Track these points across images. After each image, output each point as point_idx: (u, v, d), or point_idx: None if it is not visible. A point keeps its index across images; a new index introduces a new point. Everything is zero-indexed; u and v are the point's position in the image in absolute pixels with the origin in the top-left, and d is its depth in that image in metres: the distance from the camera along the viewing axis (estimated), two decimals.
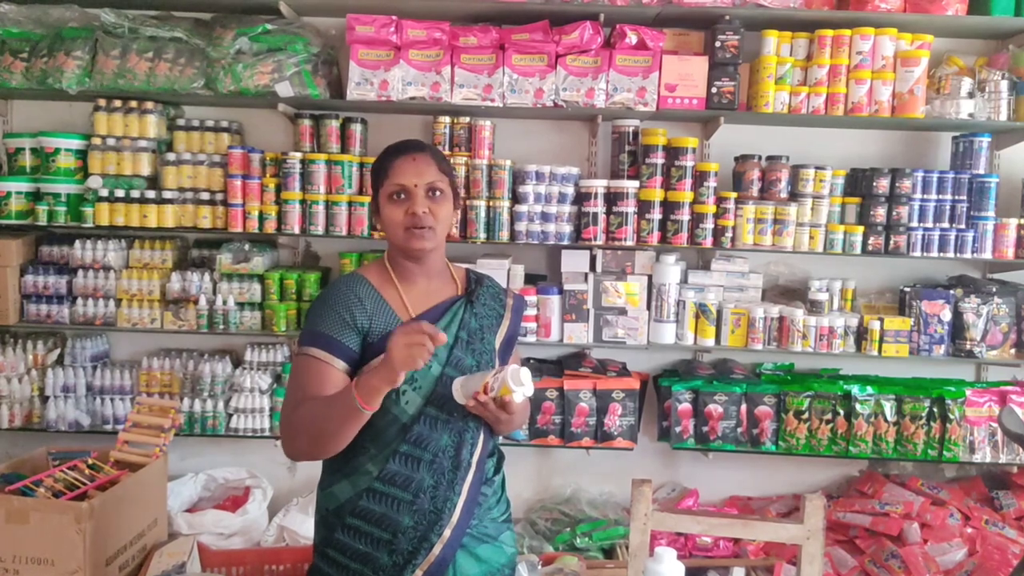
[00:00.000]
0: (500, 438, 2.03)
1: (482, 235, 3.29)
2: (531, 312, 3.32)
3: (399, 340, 1.58)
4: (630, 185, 3.27)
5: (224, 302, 3.30)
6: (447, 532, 1.77)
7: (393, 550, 1.75)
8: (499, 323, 1.93)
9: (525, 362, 3.23)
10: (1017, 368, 3.54)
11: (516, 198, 3.32)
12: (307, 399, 1.72)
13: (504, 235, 3.30)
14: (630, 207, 3.27)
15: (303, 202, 3.29)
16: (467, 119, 3.33)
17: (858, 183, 3.36)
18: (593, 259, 3.36)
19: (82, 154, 3.32)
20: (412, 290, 1.86)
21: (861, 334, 3.35)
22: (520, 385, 1.66)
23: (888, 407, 3.33)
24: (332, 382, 1.74)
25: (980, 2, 3.24)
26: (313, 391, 1.72)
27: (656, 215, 3.28)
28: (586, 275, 3.36)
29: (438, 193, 1.82)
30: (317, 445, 1.70)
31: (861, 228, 3.30)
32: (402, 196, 1.80)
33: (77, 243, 3.35)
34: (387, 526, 1.76)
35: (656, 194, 3.27)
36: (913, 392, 3.36)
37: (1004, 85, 3.27)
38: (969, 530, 3.22)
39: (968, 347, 3.32)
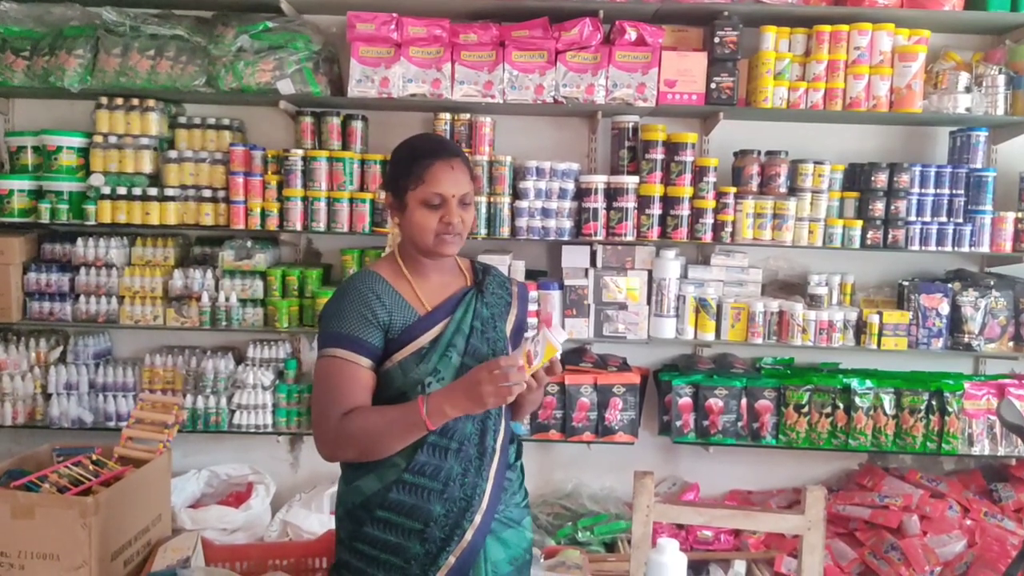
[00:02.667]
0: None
1: (483, 231, 3.31)
2: (532, 307, 3.33)
3: (489, 379, 1.61)
4: (630, 181, 3.29)
5: (226, 299, 3.32)
6: (478, 518, 1.80)
7: (425, 539, 1.77)
8: (507, 311, 1.96)
9: None
10: (1015, 361, 3.55)
11: (517, 194, 3.33)
12: (345, 404, 1.73)
13: (505, 231, 3.31)
14: (630, 202, 3.29)
15: (305, 199, 3.30)
16: (467, 116, 3.34)
17: (856, 178, 3.38)
18: (593, 254, 3.38)
19: (84, 152, 3.34)
20: (425, 284, 1.87)
21: (860, 328, 3.36)
22: (562, 337, 1.66)
23: (887, 400, 3.35)
24: (361, 382, 1.76)
25: None
26: (344, 392, 1.74)
27: (656, 210, 3.30)
28: (586, 270, 3.38)
29: (468, 202, 1.85)
30: (367, 454, 1.75)
31: (860, 222, 3.32)
32: (438, 204, 1.80)
33: (79, 241, 3.36)
34: (418, 516, 1.78)
35: (656, 189, 3.29)
36: (912, 385, 3.38)
37: (1001, 80, 3.29)
38: (968, 522, 3.24)
39: (966, 340, 3.34)
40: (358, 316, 1.77)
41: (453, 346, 1.81)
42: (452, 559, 1.77)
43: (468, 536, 1.78)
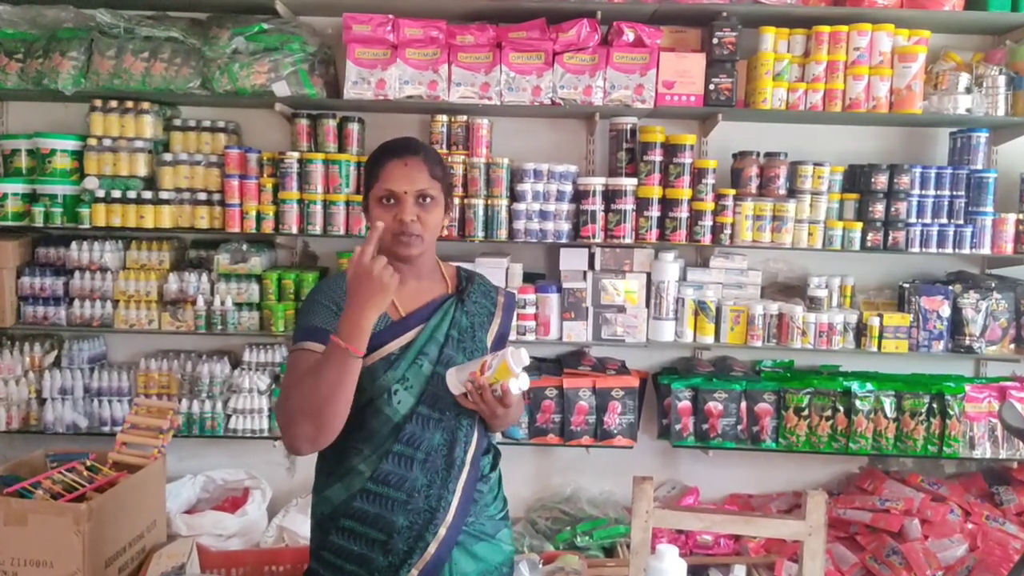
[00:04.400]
0: (496, 436, 2.01)
1: (480, 234, 3.28)
2: (530, 310, 3.31)
3: (359, 270, 1.56)
4: (628, 183, 3.27)
5: (222, 303, 3.29)
6: (442, 531, 1.76)
7: (388, 550, 1.74)
8: (490, 321, 1.92)
9: None
10: (1016, 363, 3.53)
11: (514, 196, 3.31)
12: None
13: (502, 233, 3.29)
14: (628, 205, 3.27)
15: (301, 202, 3.28)
16: (464, 118, 3.32)
17: (856, 179, 3.36)
18: (592, 257, 3.35)
19: (78, 155, 3.31)
20: (402, 290, 1.82)
21: (860, 330, 3.34)
22: (521, 363, 1.64)
23: (888, 403, 3.33)
24: None
25: None
26: None
27: (654, 212, 3.28)
28: (585, 273, 3.36)
29: (428, 200, 1.79)
30: (318, 420, 1.61)
31: (860, 224, 3.30)
32: (391, 201, 1.78)
33: (74, 244, 3.33)
34: (382, 527, 1.75)
35: (654, 191, 3.27)
36: (913, 388, 3.36)
37: (1001, 80, 3.27)
38: (970, 526, 3.21)
39: (967, 343, 3.32)
40: (327, 311, 1.74)
41: (425, 354, 1.78)
42: (415, 572, 1.73)
43: (431, 549, 1.74)
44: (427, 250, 1.84)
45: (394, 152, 1.81)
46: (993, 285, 3.37)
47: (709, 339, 3.36)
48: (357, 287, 1.57)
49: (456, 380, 1.71)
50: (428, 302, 1.84)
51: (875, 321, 3.31)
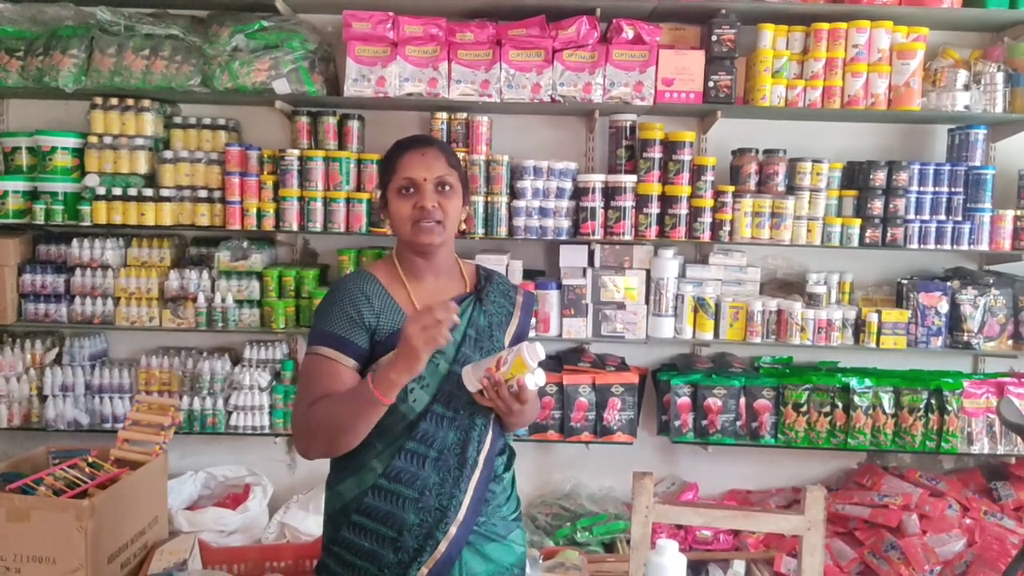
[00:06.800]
0: (511, 436, 2.01)
1: (480, 231, 3.29)
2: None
3: (414, 326, 1.56)
4: (628, 180, 3.28)
5: (223, 300, 3.30)
6: (453, 530, 1.76)
7: (399, 548, 1.74)
8: (508, 320, 1.92)
9: None
10: (1014, 359, 3.54)
11: (514, 193, 3.32)
12: (319, 398, 1.71)
13: (502, 230, 3.30)
14: (628, 201, 3.28)
15: (301, 199, 3.29)
16: (464, 115, 3.33)
17: (855, 176, 3.37)
18: (591, 254, 3.36)
19: (79, 152, 3.32)
20: (420, 288, 1.84)
21: (859, 327, 3.35)
22: (536, 357, 1.63)
23: (886, 399, 3.34)
24: (343, 381, 1.73)
25: None
26: (325, 390, 1.71)
27: (654, 209, 3.29)
28: (584, 270, 3.37)
29: (447, 187, 1.80)
30: (334, 443, 1.70)
31: (858, 221, 3.31)
32: (411, 190, 1.78)
33: (75, 242, 3.34)
34: (392, 524, 1.75)
35: (654, 188, 3.28)
36: (911, 384, 3.37)
37: (999, 77, 3.28)
38: (968, 521, 3.23)
39: (965, 339, 3.34)
40: (344, 316, 1.75)
41: (442, 353, 1.77)
42: (424, 570, 1.73)
43: (441, 548, 1.74)
44: (447, 242, 1.84)
45: (411, 144, 1.84)
46: (991, 281, 3.38)
47: (708, 336, 3.38)
48: (409, 344, 1.57)
49: (472, 377, 1.70)
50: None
51: (873, 317, 3.32)
